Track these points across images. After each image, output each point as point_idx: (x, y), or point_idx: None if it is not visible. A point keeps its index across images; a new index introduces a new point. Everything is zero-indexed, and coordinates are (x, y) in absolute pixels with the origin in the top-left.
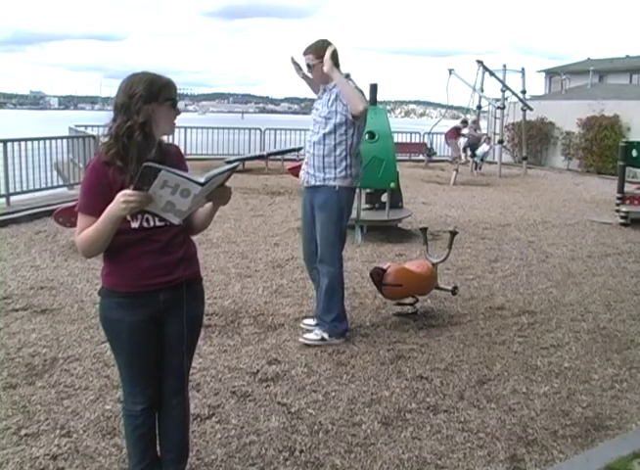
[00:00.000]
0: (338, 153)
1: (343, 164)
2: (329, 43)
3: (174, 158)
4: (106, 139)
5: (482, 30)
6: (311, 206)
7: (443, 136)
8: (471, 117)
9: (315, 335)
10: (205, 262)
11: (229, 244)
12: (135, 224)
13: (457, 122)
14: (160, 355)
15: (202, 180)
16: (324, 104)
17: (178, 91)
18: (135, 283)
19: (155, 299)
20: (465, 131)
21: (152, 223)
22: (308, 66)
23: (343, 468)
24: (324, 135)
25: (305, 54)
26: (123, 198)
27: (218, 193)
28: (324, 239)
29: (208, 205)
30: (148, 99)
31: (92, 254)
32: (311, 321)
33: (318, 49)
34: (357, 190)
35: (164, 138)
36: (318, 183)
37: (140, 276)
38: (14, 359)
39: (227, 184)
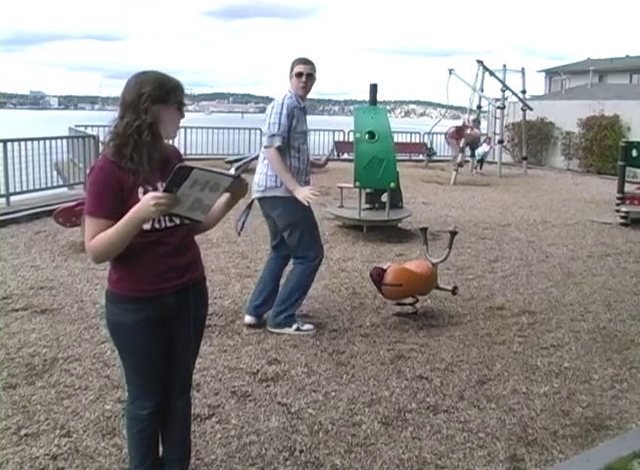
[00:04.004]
0: None
1: None
2: None
3: (176, 158)
4: (109, 137)
5: (482, 30)
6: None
7: (444, 135)
8: (470, 117)
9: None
10: (206, 262)
11: (229, 244)
12: (147, 226)
13: (458, 122)
14: (167, 358)
15: (235, 174)
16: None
17: None
18: (148, 287)
19: (167, 302)
20: (467, 131)
21: (163, 224)
22: (310, 75)
23: (343, 468)
24: None
25: (310, 64)
26: (154, 200)
27: (235, 184)
28: None
29: (220, 202)
30: (157, 99)
31: (107, 258)
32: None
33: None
34: (357, 190)
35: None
36: None
37: (153, 280)
38: (14, 359)
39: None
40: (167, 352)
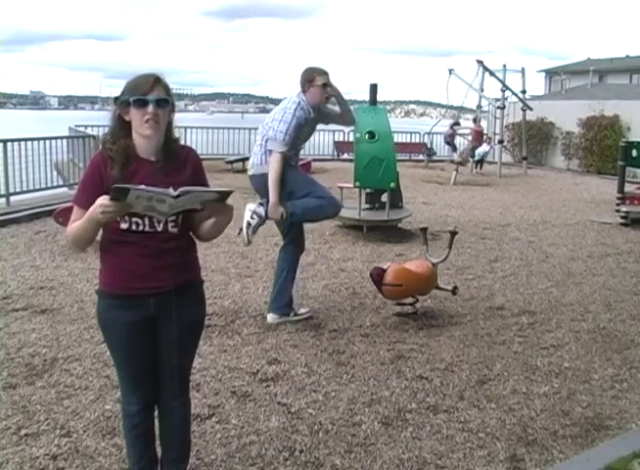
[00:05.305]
0: None
1: None
2: None
3: (191, 166)
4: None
5: (482, 30)
6: None
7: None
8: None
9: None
10: (205, 262)
11: (229, 244)
12: (124, 225)
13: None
14: (154, 357)
15: (174, 193)
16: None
17: (178, 91)
18: (124, 285)
19: (145, 302)
20: (462, 131)
21: (140, 228)
22: (326, 85)
23: (343, 468)
24: None
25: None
26: (101, 208)
27: (214, 206)
28: None
29: (210, 221)
30: (115, 100)
31: (79, 247)
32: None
33: None
34: (357, 190)
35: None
36: None
37: (129, 279)
38: (14, 359)
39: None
40: (153, 350)
